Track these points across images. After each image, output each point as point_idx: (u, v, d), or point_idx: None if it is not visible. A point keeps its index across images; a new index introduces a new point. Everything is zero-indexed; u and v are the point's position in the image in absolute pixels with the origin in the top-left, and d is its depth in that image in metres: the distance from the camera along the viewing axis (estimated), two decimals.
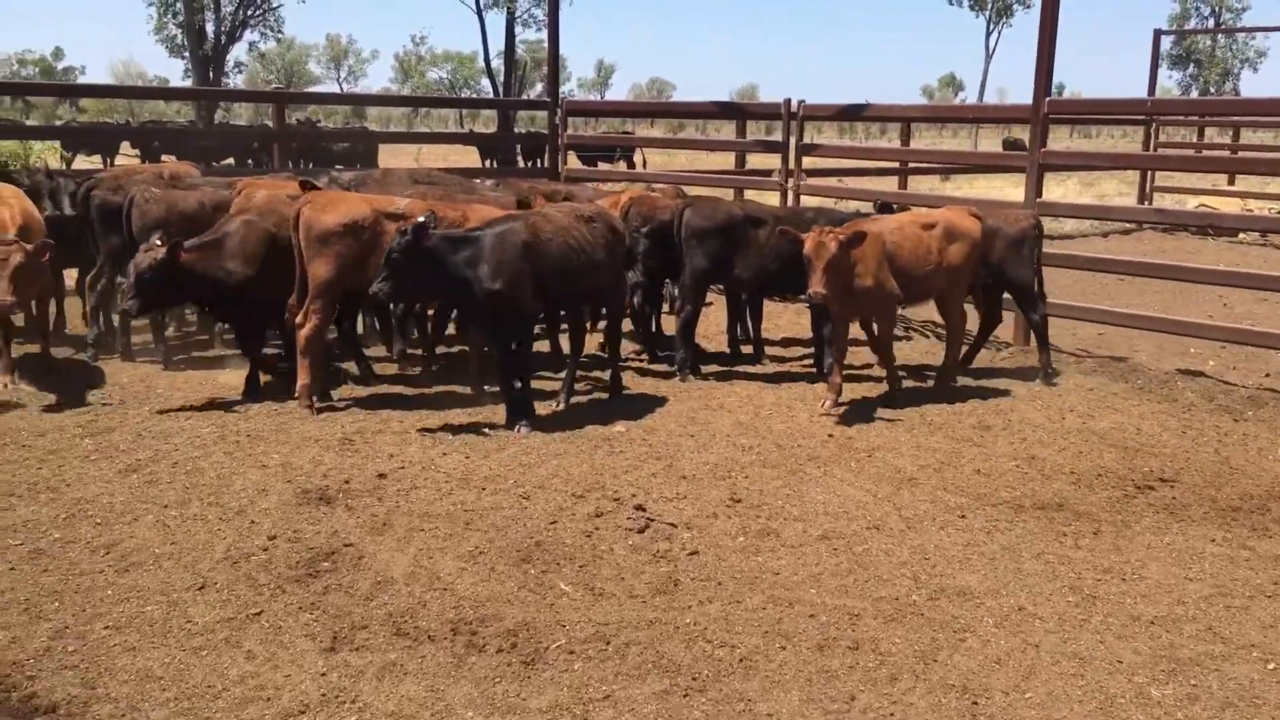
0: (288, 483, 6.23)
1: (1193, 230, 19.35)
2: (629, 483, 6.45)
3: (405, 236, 6.92)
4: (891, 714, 4.07)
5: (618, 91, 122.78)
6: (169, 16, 49.90)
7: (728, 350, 10.08)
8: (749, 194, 13.85)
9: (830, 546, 5.61)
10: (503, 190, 10.75)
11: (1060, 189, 25.12)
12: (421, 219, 7.06)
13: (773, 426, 7.75)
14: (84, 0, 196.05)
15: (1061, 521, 6.03)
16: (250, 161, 25.78)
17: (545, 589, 5.01)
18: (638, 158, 27.70)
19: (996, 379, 9.16)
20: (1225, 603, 5.06)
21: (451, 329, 9.97)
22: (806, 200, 13.66)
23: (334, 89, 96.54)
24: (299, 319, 7.67)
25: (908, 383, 8.97)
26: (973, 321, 9.49)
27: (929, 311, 9.88)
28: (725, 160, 18.76)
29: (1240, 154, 22.49)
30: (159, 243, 7.50)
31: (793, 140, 12.80)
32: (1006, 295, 9.49)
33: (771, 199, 13.06)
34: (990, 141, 50.84)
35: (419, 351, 9.43)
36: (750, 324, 10.15)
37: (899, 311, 9.09)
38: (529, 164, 27.62)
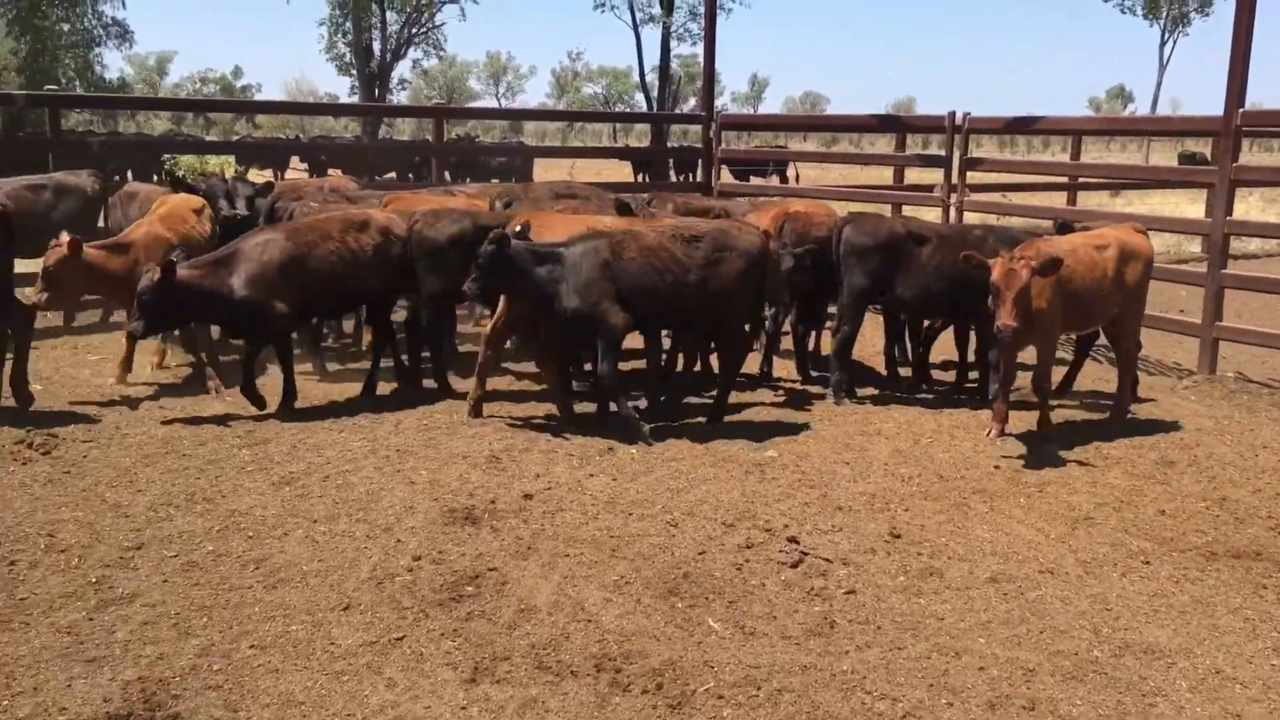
0: (435, 500, 6.17)
1: None
2: (781, 512, 6.16)
3: (491, 245, 7.28)
4: None
5: (771, 105, 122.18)
6: (339, 36, 51.80)
7: (885, 373, 9.69)
8: (906, 210, 13.39)
9: (1000, 591, 5.21)
10: (656, 205, 10.62)
11: (1241, 205, 23.59)
12: (517, 229, 7.54)
13: (934, 455, 7.34)
14: (262, 22, 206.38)
15: (1260, 573, 5.48)
16: (410, 175, 26.43)
17: (693, 625, 4.78)
18: (790, 172, 27.35)
19: (1178, 410, 8.51)
20: None
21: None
22: (968, 217, 13.10)
23: (493, 104, 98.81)
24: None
25: (1079, 413, 8.44)
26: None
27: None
28: (878, 175, 18.29)
29: None
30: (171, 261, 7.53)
31: (956, 154, 12.26)
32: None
33: (931, 215, 12.57)
34: (1162, 155, 48.40)
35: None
36: (910, 345, 9.72)
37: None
38: (680, 178, 27.55)
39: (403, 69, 62.38)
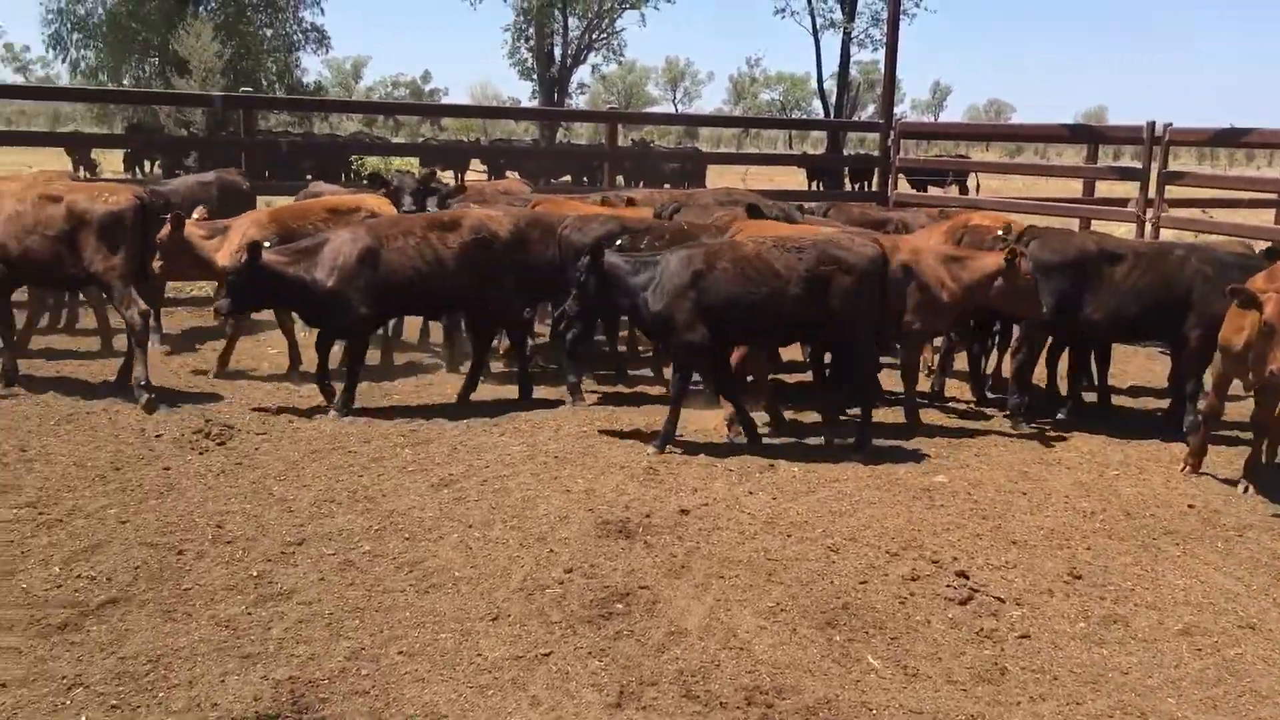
0: (589, 511, 6.07)
1: None
2: (950, 543, 5.82)
3: (584, 257, 7.32)
4: None
5: (952, 113, 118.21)
6: (521, 41, 52.85)
7: (1066, 396, 9.12)
8: (1095, 225, 12.69)
9: (1193, 645, 4.77)
10: (834, 214, 10.33)
11: None
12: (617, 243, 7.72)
13: (1120, 490, 6.84)
14: (451, 29, 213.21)
15: None
16: (585, 179, 26.71)
17: (851, 661, 4.52)
18: (971, 183, 26.45)
19: None
20: None
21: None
22: (1165, 234, 12.30)
23: (669, 110, 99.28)
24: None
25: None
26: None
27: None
28: (1063, 187, 17.42)
29: None
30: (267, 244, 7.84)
31: (1155, 167, 11.52)
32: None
33: (1122, 230, 11.86)
34: None
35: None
36: (1097, 369, 9.13)
37: None
38: (855, 186, 26.98)
39: (583, 74, 63.37)
